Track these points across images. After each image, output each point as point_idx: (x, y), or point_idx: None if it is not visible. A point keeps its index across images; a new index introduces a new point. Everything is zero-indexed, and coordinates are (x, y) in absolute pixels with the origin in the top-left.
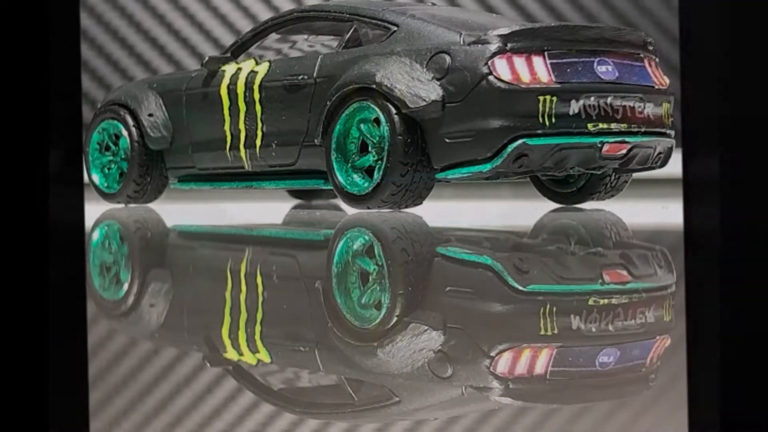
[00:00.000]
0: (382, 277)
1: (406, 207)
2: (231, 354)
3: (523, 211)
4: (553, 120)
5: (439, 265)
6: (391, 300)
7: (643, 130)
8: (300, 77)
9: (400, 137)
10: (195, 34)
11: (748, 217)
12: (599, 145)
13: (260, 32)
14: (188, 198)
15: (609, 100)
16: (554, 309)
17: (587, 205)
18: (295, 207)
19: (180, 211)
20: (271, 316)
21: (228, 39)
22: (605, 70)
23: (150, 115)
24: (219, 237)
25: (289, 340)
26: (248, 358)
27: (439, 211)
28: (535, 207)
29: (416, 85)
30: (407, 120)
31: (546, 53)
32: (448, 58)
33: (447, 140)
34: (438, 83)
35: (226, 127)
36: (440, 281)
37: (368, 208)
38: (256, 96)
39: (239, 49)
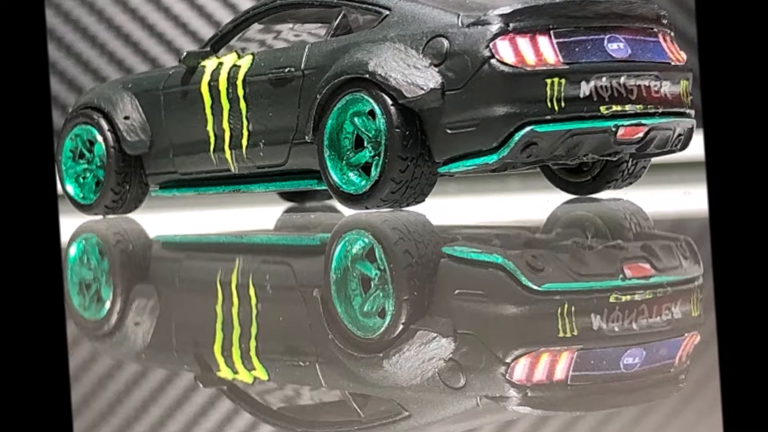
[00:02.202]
0: (385, 283)
1: (408, 205)
2: (225, 373)
3: (534, 204)
4: (563, 104)
5: (446, 267)
6: (396, 306)
7: (660, 110)
8: (286, 70)
9: (397, 130)
10: (171, 28)
11: None
12: (614, 129)
13: (241, 23)
14: (171, 206)
15: (622, 79)
16: (573, 309)
17: (604, 195)
18: (288, 210)
19: (163, 220)
20: (266, 329)
21: (207, 32)
22: (617, 47)
23: (126, 117)
24: (206, 247)
25: (287, 354)
26: (244, 376)
27: (444, 209)
28: (548, 199)
29: (413, 73)
30: (405, 111)
31: (552, 32)
32: (445, 42)
33: (449, 131)
34: (436, 70)
35: (209, 128)
36: (448, 284)
37: (367, 208)
38: (240, 92)
39: (219, 42)
